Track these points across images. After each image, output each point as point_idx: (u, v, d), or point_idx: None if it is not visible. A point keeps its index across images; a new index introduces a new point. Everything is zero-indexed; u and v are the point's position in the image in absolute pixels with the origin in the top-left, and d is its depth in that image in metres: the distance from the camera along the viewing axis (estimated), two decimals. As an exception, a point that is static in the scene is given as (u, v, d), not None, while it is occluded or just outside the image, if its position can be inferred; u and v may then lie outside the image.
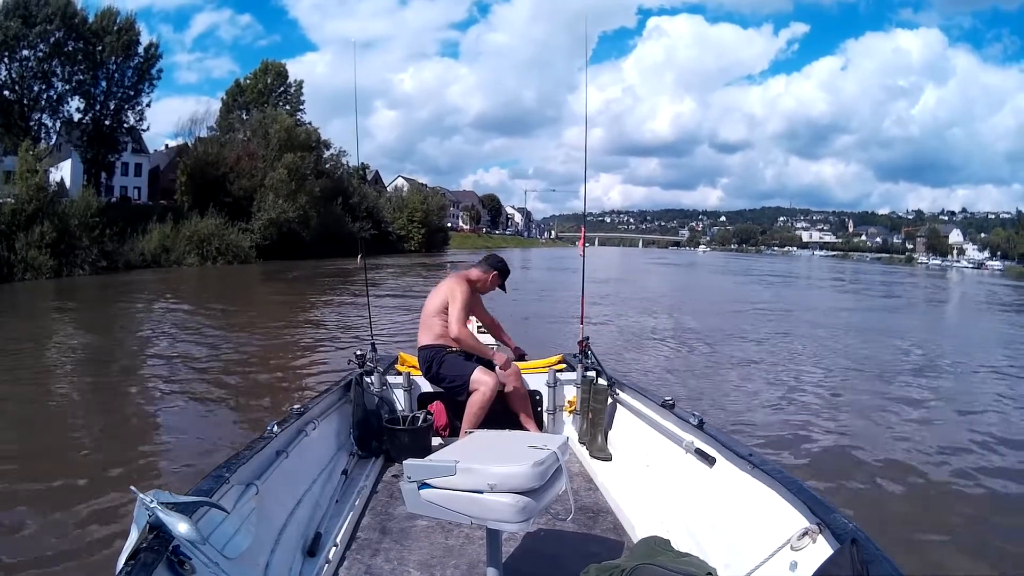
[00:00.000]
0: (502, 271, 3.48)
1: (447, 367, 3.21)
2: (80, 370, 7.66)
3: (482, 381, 3.10)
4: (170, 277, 22.81)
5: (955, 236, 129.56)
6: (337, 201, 40.06)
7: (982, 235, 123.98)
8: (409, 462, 1.73)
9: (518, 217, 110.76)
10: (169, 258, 27.34)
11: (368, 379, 3.29)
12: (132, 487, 1.36)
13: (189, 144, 36.13)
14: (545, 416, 3.46)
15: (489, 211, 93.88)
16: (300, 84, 43.44)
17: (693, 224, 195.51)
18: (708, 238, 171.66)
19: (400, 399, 3.40)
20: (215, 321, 11.45)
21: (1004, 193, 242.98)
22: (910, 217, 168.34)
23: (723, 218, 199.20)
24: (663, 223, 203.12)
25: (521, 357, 3.66)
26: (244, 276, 24.57)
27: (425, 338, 3.27)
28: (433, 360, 3.24)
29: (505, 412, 3.28)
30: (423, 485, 1.69)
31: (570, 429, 3.42)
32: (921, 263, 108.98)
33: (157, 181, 41.27)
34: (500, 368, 3.17)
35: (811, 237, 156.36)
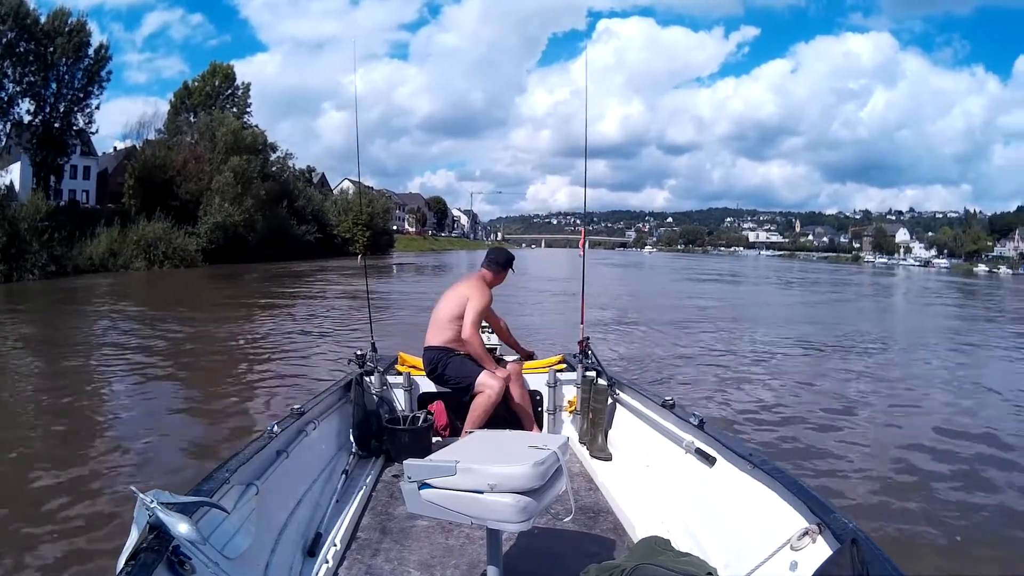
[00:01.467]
0: (505, 264, 3.45)
1: (453, 369, 3.21)
2: (70, 372, 7.65)
3: (488, 384, 3.10)
4: (121, 282, 22.57)
5: (902, 235, 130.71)
6: (283, 204, 39.84)
7: (929, 234, 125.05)
8: (409, 462, 1.73)
9: (464, 219, 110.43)
10: (116, 262, 27.05)
11: (368, 379, 3.29)
12: (132, 487, 1.36)
13: (137, 147, 35.90)
14: (545, 416, 3.46)
15: (435, 213, 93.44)
16: (247, 87, 43.02)
17: (640, 225, 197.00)
18: (655, 239, 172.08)
19: (400, 399, 3.40)
20: (189, 326, 11.33)
21: (952, 193, 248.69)
22: (857, 217, 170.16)
23: (670, 219, 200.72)
24: (610, 224, 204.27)
25: (530, 357, 3.66)
26: (198, 279, 24.41)
27: (434, 339, 3.26)
28: (439, 361, 3.24)
29: (506, 412, 3.28)
30: (423, 485, 1.69)
31: (570, 429, 3.42)
32: (868, 261, 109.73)
33: (106, 184, 40.47)
34: (487, 373, 3.16)
35: (758, 237, 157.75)
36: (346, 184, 63.88)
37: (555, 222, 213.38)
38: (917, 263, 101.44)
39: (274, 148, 42.85)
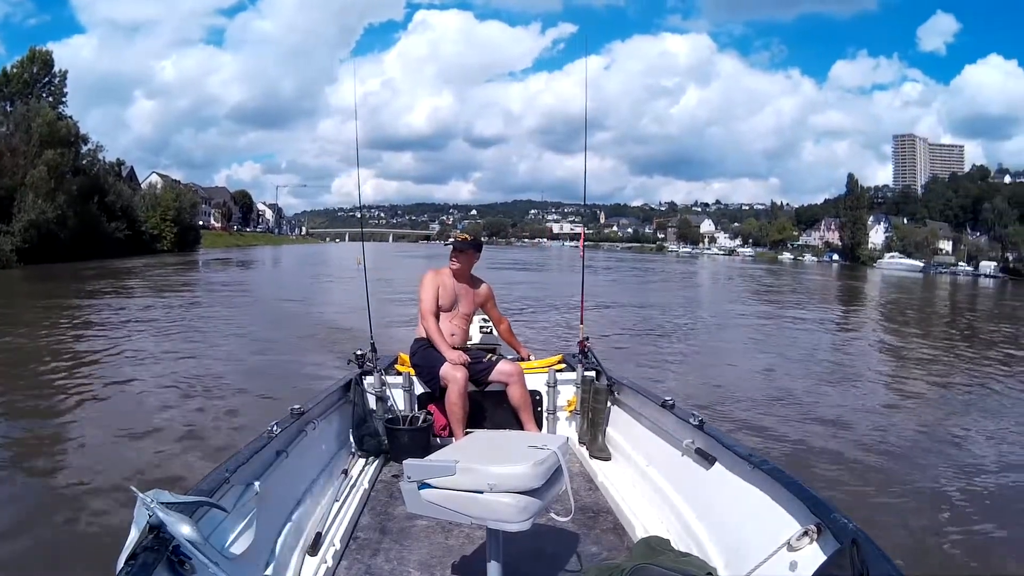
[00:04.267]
0: (455, 247, 3.38)
1: (420, 358, 3.26)
2: (59, 369, 7.64)
3: (450, 376, 3.11)
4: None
5: (707, 226, 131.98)
6: (94, 200, 37.04)
7: (735, 224, 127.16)
8: (409, 462, 1.73)
9: (269, 213, 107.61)
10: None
11: (368, 379, 3.29)
12: (132, 487, 1.36)
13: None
14: (545, 416, 3.46)
15: (241, 208, 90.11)
16: (64, 75, 40.47)
17: (444, 218, 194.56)
18: (458, 231, 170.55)
19: (400, 399, 3.40)
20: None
21: (760, 187, 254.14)
22: (663, 208, 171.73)
23: (474, 211, 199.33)
24: (414, 217, 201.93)
25: (525, 359, 3.66)
26: (20, 282, 22.87)
27: (418, 331, 3.32)
28: (416, 352, 3.29)
29: (506, 412, 3.28)
30: (423, 485, 1.69)
31: (570, 429, 3.42)
32: (672, 251, 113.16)
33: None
34: (448, 364, 3.12)
35: (562, 229, 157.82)
36: (154, 178, 61.86)
37: (359, 215, 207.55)
38: (722, 252, 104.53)
39: (85, 140, 40.07)
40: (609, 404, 3.20)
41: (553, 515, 1.87)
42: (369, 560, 2.13)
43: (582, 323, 3.53)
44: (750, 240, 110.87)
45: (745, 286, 29.41)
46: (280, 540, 2.00)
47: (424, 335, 3.28)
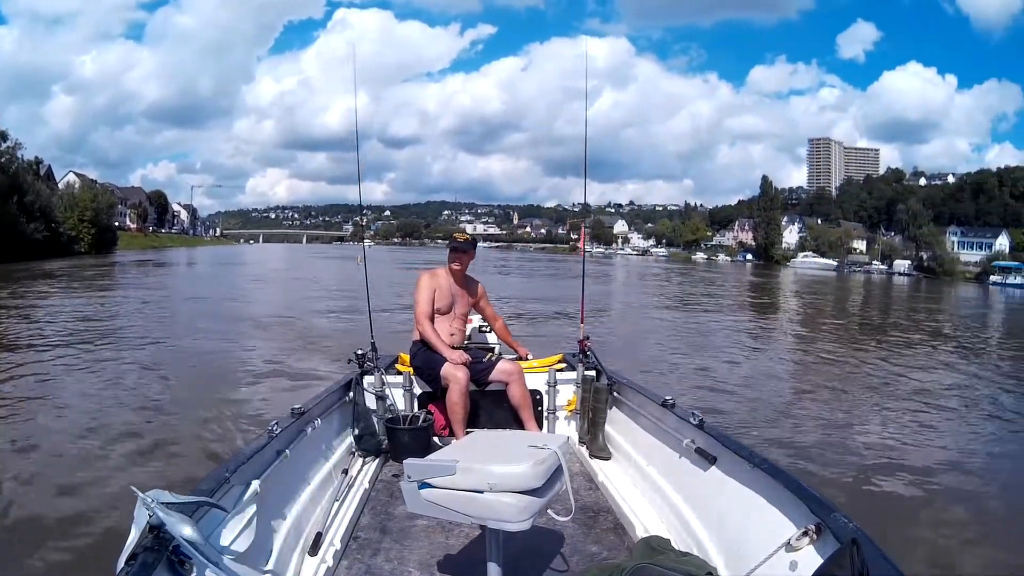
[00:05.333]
0: (452, 248, 3.36)
1: (421, 359, 3.25)
2: (64, 366, 7.64)
3: (451, 375, 3.11)
4: None
5: (620, 226, 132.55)
6: (13, 200, 35.69)
7: (648, 225, 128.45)
8: (409, 462, 1.73)
9: (184, 214, 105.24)
10: None
11: (368, 379, 3.29)
12: (132, 487, 1.36)
13: None
14: (545, 416, 3.46)
15: (156, 208, 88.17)
16: None
17: (357, 219, 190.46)
18: (372, 232, 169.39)
19: (400, 399, 3.40)
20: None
21: (674, 188, 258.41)
22: (576, 209, 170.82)
23: (387, 212, 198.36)
24: (327, 218, 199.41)
25: (523, 358, 3.66)
26: None
27: (415, 333, 3.31)
28: (416, 354, 3.28)
29: (506, 412, 3.28)
30: (423, 485, 1.69)
31: (570, 429, 3.42)
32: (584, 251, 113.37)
33: None
34: (450, 364, 3.13)
35: (475, 229, 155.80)
36: (72, 177, 60.10)
37: (274, 216, 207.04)
38: (635, 252, 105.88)
39: (4, 137, 39.15)
40: (609, 404, 3.20)
41: (553, 515, 1.87)
42: (369, 560, 2.13)
43: (582, 323, 3.53)
44: (663, 241, 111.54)
45: (656, 283, 31.48)
46: (280, 540, 2.00)
47: (417, 337, 3.27)
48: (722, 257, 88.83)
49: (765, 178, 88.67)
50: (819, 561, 1.46)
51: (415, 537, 2.30)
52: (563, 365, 3.54)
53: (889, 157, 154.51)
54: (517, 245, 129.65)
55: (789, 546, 1.63)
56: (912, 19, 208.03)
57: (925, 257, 66.61)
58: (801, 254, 79.35)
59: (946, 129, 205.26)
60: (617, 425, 3.18)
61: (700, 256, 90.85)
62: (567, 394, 3.48)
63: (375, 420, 3.18)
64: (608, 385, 3.21)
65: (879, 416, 6.62)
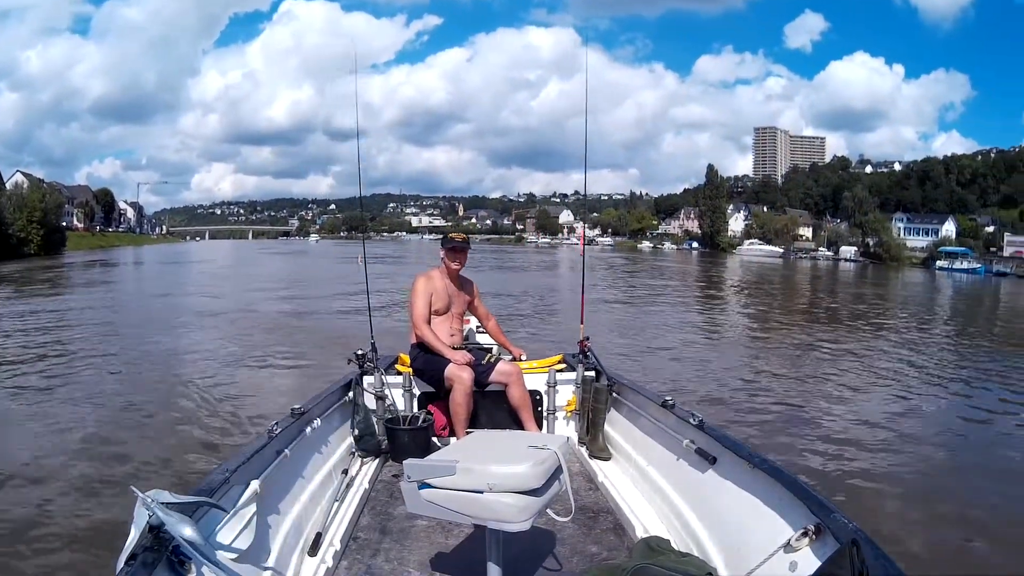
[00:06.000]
0: (446, 247, 3.34)
1: (423, 362, 3.25)
2: (66, 366, 7.65)
3: (455, 375, 3.11)
4: None
5: (566, 216, 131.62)
6: None
7: (594, 215, 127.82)
8: (409, 462, 1.73)
9: (131, 212, 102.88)
10: None
11: (368, 379, 3.29)
12: (132, 487, 1.36)
13: None
14: (545, 416, 3.46)
15: (103, 207, 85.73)
16: None
17: (303, 213, 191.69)
18: (318, 226, 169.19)
19: (400, 399, 3.40)
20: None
21: (620, 177, 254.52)
22: (522, 200, 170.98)
23: (333, 206, 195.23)
24: (272, 213, 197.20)
25: (518, 357, 3.65)
26: None
27: (413, 338, 3.31)
28: (417, 357, 3.27)
29: (505, 412, 3.28)
30: (423, 485, 1.69)
31: (570, 429, 3.42)
32: (531, 242, 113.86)
33: None
34: (454, 365, 3.13)
35: (421, 222, 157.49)
36: (19, 178, 58.75)
37: (219, 212, 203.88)
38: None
39: None
40: (609, 404, 3.20)
41: (553, 515, 1.87)
42: (369, 560, 2.13)
43: (582, 323, 3.52)
44: (609, 230, 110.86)
45: (606, 272, 32.05)
46: (280, 540, 2.00)
47: (415, 340, 3.27)
48: (668, 245, 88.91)
49: (711, 167, 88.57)
50: (819, 561, 1.47)
51: (415, 537, 2.30)
52: (563, 366, 3.54)
53: (835, 145, 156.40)
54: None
55: (789, 546, 1.63)
56: (860, 10, 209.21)
57: (871, 243, 67.00)
58: (747, 241, 79.39)
59: (893, 118, 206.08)
60: (617, 425, 3.18)
61: (646, 245, 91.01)
62: (567, 394, 3.47)
63: (375, 420, 3.17)
64: (608, 385, 3.21)
65: (821, 388, 7.55)
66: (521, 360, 3.55)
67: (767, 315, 16.63)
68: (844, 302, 21.08)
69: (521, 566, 2.05)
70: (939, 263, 56.78)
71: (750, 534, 1.84)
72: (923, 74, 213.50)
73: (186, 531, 1.29)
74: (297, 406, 2.54)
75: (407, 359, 3.51)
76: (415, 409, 3.34)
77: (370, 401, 3.23)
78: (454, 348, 3.25)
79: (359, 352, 3.29)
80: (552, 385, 3.45)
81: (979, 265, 53.08)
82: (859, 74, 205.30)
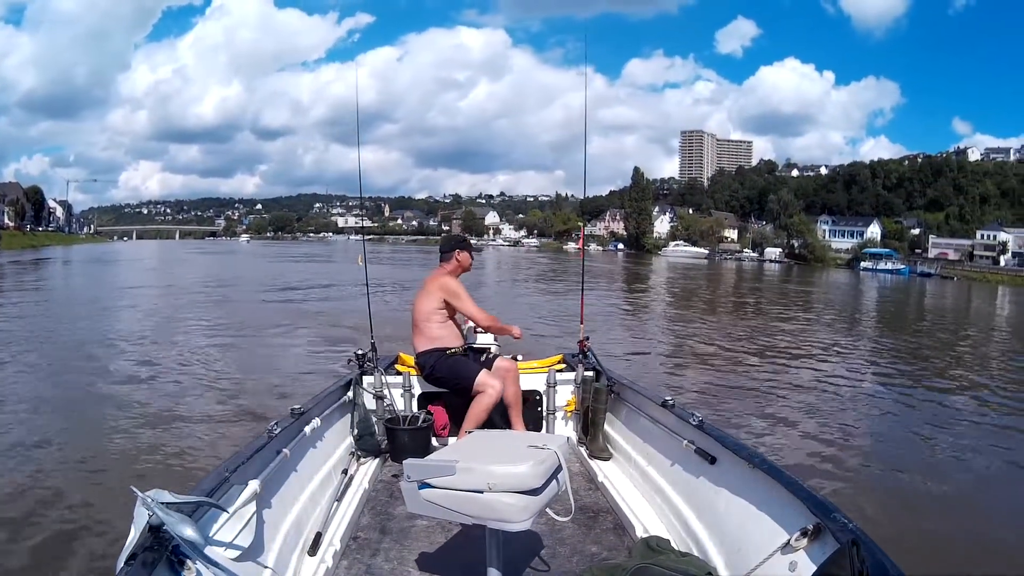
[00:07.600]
0: (451, 248, 3.40)
1: (448, 369, 3.19)
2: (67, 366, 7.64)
3: (488, 384, 3.08)
4: None
5: (492, 217, 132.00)
6: None
7: (519, 216, 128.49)
8: (409, 462, 1.73)
9: (60, 211, 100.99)
10: None
11: (368, 379, 3.29)
12: (132, 487, 1.36)
13: None
14: (545, 416, 3.46)
15: (33, 205, 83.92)
16: None
17: (230, 213, 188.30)
18: (244, 226, 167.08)
19: (400, 399, 3.40)
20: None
21: (545, 179, 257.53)
22: (447, 201, 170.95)
23: (259, 206, 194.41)
24: (199, 213, 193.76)
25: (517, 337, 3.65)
26: None
27: (421, 343, 3.24)
28: (435, 365, 3.21)
29: (497, 410, 3.28)
30: (423, 485, 1.69)
31: (570, 429, 3.42)
32: None
33: None
34: (516, 337, 3.37)
35: (347, 222, 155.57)
36: None
37: (146, 211, 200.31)
38: (507, 243, 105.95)
39: None
40: (608, 404, 3.20)
41: (553, 515, 1.87)
42: (369, 560, 2.13)
43: (582, 323, 3.53)
44: (535, 231, 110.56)
45: (532, 271, 33.36)
46: (280, 540, 2.00)
47: (433, 345, 3.21)
48: (593, 247, 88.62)
49: (637, 169, 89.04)
50: (819, 561, 1.47)
51: (415, 537, 2.30)
52: (563, 366, 3.54)
53: (762, 149, 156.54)
54: (389, 238, 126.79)
55: (788, 546, 1.63)
56: (793, 17, 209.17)
57: (796, 245, 68.45)
58: (672, 243, 79.99)
59: (821, 123, 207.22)
60: (617, 425, 3.18)
61: (572, 246, 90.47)
62: (566, 394, 3.47)
63: (374, 420, 3.17)
64: (608, 385, 3.21)
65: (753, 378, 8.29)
66: (519, 358, 3.57)
67: (689, 306, 18.42)
68: (770, 298, 22.85)
69: (521, 566, 2.05)
70: (863, 264, 58.32)
71: (750, 534, 1.84)
72: (853, 81, 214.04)
73: (186, 531, 1.29)
74: (297, 406, 2.54)
75: (407, 359, 3.50)
76: (415, 409, 3.34)
77: (370, 401, 3.23)
78: (461, 348, 3.25)
79: (359, 352, 3.29)
80: (552, 385, 3.45)
81: (903, 266, 54.75)
82: (789, 79, 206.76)
